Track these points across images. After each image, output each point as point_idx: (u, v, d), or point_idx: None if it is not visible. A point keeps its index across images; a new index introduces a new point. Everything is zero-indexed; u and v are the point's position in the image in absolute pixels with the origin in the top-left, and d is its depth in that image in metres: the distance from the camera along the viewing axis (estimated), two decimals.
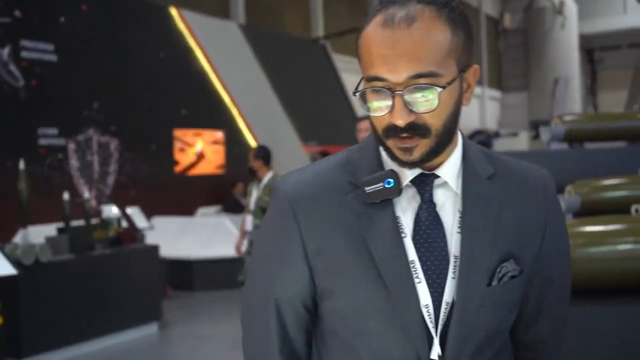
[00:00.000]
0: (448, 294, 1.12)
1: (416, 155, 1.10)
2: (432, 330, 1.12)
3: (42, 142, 8.55)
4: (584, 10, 20.73)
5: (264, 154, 6.13)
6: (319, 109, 14.14)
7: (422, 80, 1.05)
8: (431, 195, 1.15)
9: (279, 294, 1.20)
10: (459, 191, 1.16)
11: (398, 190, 1.13)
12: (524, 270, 1.17)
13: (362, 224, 1.14)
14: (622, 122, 4.88)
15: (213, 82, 11.47)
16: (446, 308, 1.12)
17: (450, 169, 1.16)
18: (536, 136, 15.72)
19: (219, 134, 11.55)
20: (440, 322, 1.12)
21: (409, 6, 1.07)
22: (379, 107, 1.09)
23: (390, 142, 1.11)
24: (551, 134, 4.70)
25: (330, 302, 1.17)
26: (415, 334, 1.11)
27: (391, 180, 1.13)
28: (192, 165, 11.10)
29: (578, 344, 2.31)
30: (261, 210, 6.05)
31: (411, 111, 1.07)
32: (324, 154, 11.94)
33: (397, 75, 1.05)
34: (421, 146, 1.09)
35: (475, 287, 1.12)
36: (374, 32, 1.08)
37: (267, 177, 6.07)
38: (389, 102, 1.07)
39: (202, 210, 10.72)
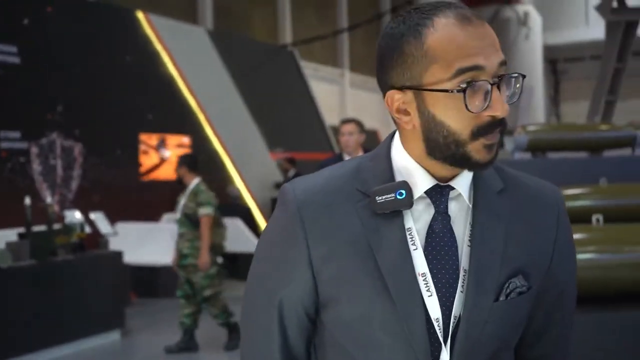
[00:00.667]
0: (456, 308, 1.11)
1: (494, 153, 1.10)
2: (442, 345, 1.10)
3: (4, 145, 8.39)
4: (547, 21, 21.03)
5: (189, 161, 6.06)
6: (286, 115, 14.12)
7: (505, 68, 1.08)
8: (446, 207, 1.14)
9: (282, 299, 1.18)
10: (471, 204, 1.15)
11: (410, 202, 1.11)
12: (532, 287, 1.16)
13: (370, 233, 1.12)
14: (584, 132, 4.97)
15: (180, 87, 11.38)
16: (454, 322, 1.11)
17: (464, 181, 1.15)
18: (500, 145, 15.93)
19: (185, 139, 11.47)
20: (450, 336, 1.11)
21: (466, 9, 1.10)
22: (473, 103, 1.06)
23: (477, 143, 1.08)
24: (515, 143, 4.76)
25: (334, 311, 1.15)
26: (420, 347, 1.10)
27: (403, 191, 1.10)
28: (158, 170, 10.99)
29: None
30: (185, 217, 5.87)
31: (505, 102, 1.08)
32: (291, 160, 11.93)
33: (491, 63, 1.06)
34: (498, 143, 1.10)
35: (481, 302, 1.11)
36: (455, 29, 1.07)
37: (193, 183, 5.97)
38: (481, 96, 1.06)
39: (167, 216, 10.60)
